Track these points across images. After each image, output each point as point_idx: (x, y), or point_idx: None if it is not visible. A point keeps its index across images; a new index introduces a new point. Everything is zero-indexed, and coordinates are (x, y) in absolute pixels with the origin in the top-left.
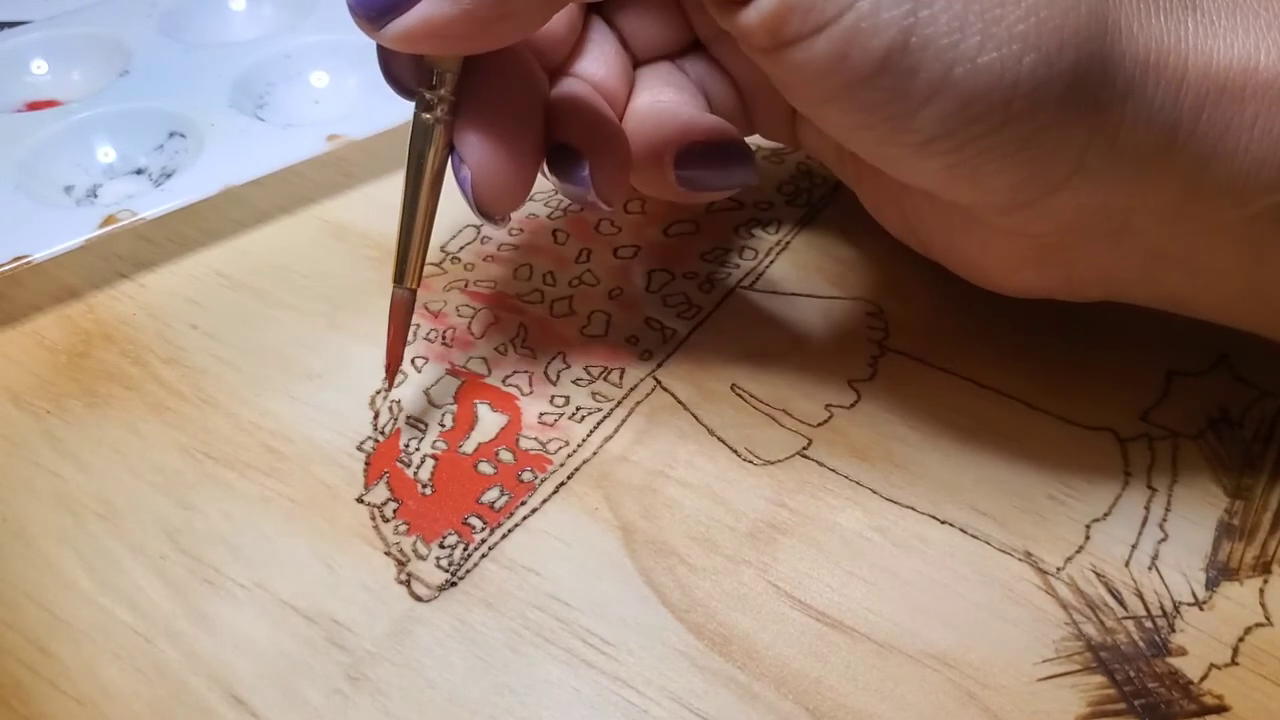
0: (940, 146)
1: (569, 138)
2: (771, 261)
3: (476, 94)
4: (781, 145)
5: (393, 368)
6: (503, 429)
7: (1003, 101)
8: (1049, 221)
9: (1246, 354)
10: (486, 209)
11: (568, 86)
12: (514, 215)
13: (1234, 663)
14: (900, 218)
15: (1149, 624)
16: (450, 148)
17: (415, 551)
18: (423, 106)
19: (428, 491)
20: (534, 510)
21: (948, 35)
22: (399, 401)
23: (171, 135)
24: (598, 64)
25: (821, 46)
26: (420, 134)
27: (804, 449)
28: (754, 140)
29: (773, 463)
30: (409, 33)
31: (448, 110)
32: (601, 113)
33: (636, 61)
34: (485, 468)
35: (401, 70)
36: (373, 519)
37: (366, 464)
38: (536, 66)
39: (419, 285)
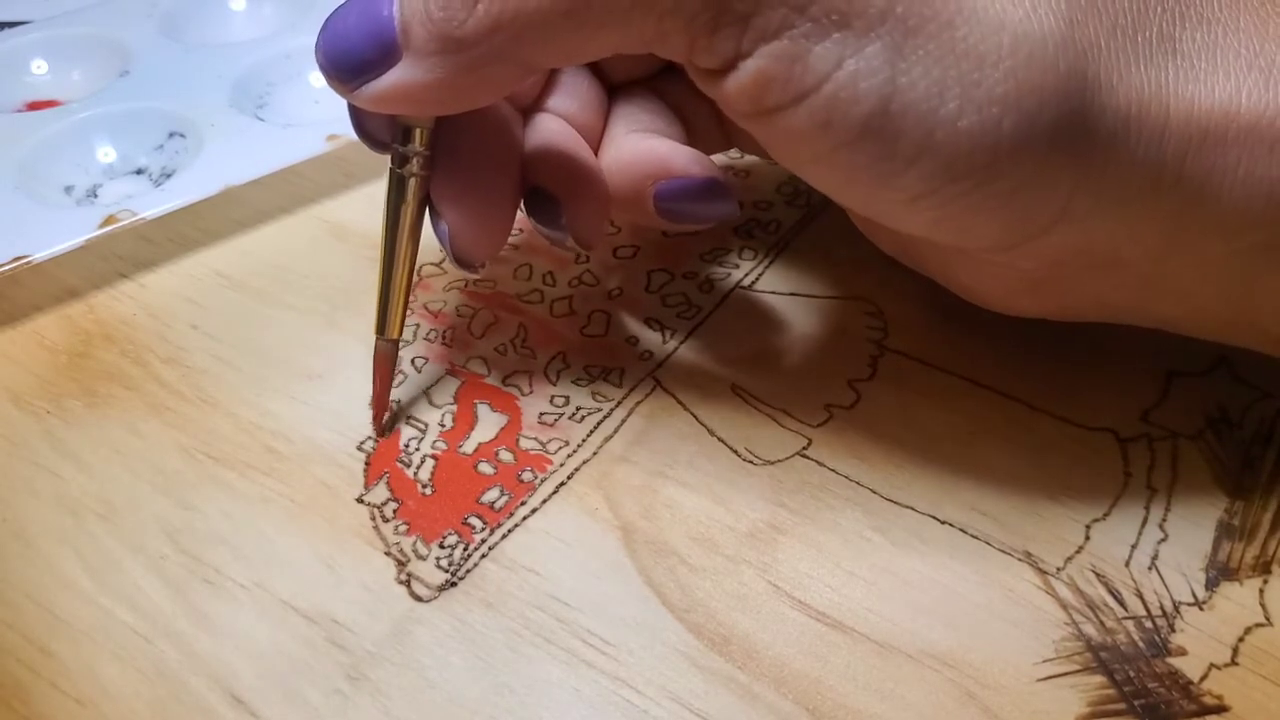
0: (927, 202)
1: (545, 182)
2: (771, 261)
3: (451, 147)
4: None
5: (379, 415)
6: (503, 429)
7: (986, 162)
8: (1038, 259)
9: (1246, 355)
10: (466, 259)
11: (542, 127)
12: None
13: (1234, 663)
14: (894, 241)
15: (1149, 624)
16: (427, 201)
17: (415, 551)
18: (397, 162)
19: (428, 491)
20: (534, 510)
21: (927, 101)
22: (399, 401)
23: (171, 135)
24: (571, 98)
25: (803, 115)
26: (396, 188)
27: (804, 449)
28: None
29: (773, 463)
30: (381, 96)
31: (422, 165)
32: (576, 156)
33: (612, 85)
34: (485, 468)
35: (375, 127)
36: (373, 519)
37: (366, 464)
38: (510, 112)
39: (400, 335)
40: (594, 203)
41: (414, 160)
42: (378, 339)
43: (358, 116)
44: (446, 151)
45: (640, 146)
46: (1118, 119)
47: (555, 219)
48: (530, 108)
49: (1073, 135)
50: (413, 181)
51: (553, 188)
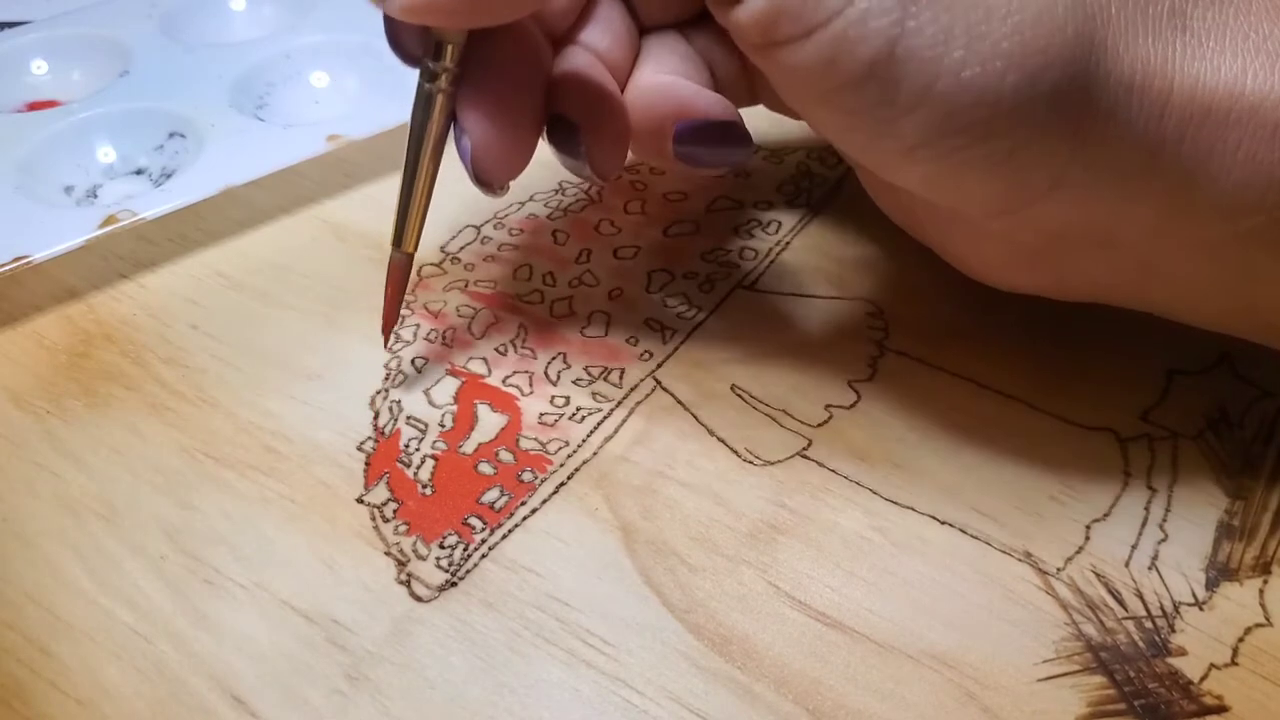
0: (924, 154)
1: (568, 110)
2: (771, 262)
3: (480, 65)
4: (781, 145)
5: (388, 327)
6: (503, 429)
7: (985, 118)
8: (1033, 229)
9: (1247, 353)
10: (485, 177)
11: (571, 57)
12: (514, 217)
13: (1234, 663)
14: (897, 204)
15: (1149, 624)
16: (452, 117)
17: (415, 551)
18: (427, 76)
19: (428, 492)
20: (534, 510)
21: (932, 47)
22: (399, 401)
23: (171, 135)
24: (603, 33)
25: (810, 50)
26: (423, 103)
27: (804, 449)
28: (755, 139)
29: (773, 463)
30: (412, 6)
31: (450, 81)
32: (602, 86)
33: (643, 29)
34: (485, 468)
35: (408, 39)
36: (373, 519)
37: (366, 464)
38: (540, 37)
39: (416, 249)
40: (613, 133)
41: (443, 76)
42: (393, 251)
43: (391, 29)
44: (475, 69)
45: (665, 84)
46: (1120, 88)
47: (575, 147)
48: (562, 38)
49: (1073, 101)
50: (440, 98)
51: (574, 115)
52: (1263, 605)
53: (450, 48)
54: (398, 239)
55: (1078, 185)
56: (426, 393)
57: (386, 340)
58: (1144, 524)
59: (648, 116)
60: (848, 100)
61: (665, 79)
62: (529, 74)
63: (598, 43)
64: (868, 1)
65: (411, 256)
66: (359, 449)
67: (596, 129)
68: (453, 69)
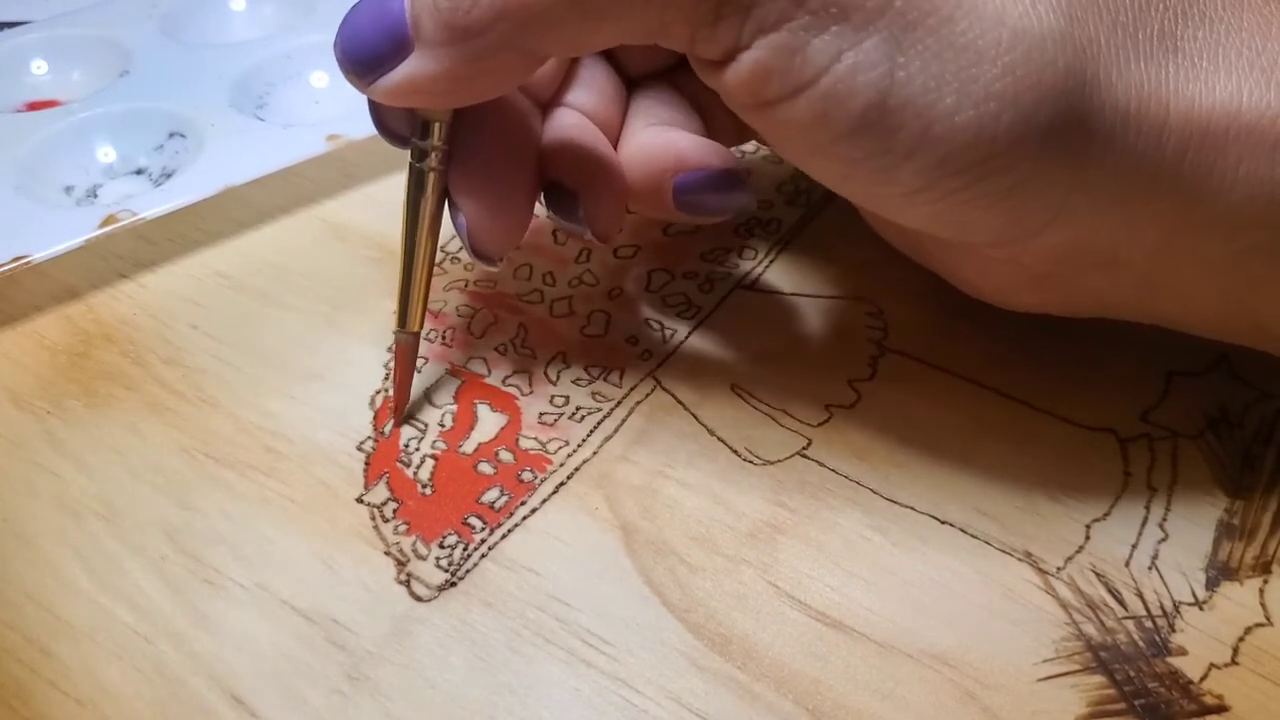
0: (924, 197)
1: (563, 176)
2: (771, 261)
3: (469, 141)
4: None
5: (400, 409)
6: (503, 429)
7: (982, 158)
8: (1039, 255)
9: (1246, 354)
10: (484, 252)
11: (560, 120)
12: None
13: (1234, 663)
14: (900, 235)
15: (1149, 624)
16: (445, 194)
17: (415, 551)
18: (416, 156)
19: (428, 491)
20: (534, 510)
21: (924, 95)
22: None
23: (171, 135)
24: (589, 92)
25: (801, 107)
26: (415, 183)
27: (804, 449)
28: (753, 142)
29: (773, 463)
30: (395, 88)
31: (440, 159)
32: (594, 149)
33: (631, 80)
34: (485, 468)
35: (394, 121)
36: (373, 519)
37: (366, 464)
38: (528, 106)
39: (421, 329)
40: (611, 195)
41: (432, 155)
42: (398, 333)
43: (376, 112)
44: (464, 145)
45: (658, 139)
46: (1116, 116)
47: (573, 212)
48: (549, 102)
49: (1070, 132)
50: (431, 176)
51: (570, 181)
52: (1263, 605)
53: (437, 125)
54: (402, 320)
55: (1080, 212)
56: (426, 392)
57: (399, 420)
58: (1144, 524)
59: (645, 173)
60: (843, 151)
61: (659, 132)
62: (519, 144)
63: (585, 101)
64: (855, 55)
65: (418, 336)
66: (359, 449)
67: (594, 194)
68: (441, 146)
